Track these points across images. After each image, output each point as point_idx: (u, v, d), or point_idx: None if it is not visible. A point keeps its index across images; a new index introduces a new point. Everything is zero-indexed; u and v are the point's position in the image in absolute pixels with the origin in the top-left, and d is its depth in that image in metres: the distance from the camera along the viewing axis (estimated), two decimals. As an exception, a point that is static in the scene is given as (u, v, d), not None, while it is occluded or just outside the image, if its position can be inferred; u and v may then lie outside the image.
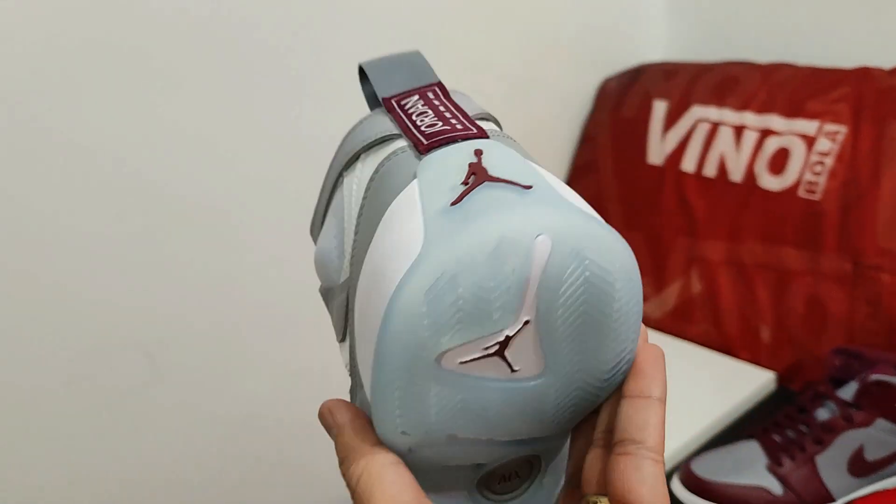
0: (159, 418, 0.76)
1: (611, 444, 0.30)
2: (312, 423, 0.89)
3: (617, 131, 1.00)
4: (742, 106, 0.89)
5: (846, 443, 0.70)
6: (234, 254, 0.77)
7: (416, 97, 0.33)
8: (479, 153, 0.28)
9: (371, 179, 0.32)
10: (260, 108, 0.75)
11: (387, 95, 0.34)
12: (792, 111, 0.85)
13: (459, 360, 0.27)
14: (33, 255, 0.66)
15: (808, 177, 0.82)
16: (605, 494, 0.31)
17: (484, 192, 0.27)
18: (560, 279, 0.27)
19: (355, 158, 0.33)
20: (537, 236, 0.26)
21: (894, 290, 0.77)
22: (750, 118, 0.88)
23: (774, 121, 0.86)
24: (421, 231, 0.27)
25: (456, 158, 0.28)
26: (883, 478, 0.71)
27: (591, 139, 1.03)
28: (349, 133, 0.34)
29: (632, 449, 0.29)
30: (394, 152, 0.31)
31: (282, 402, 0.83)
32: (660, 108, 0.96)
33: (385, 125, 0.33)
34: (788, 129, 0.85)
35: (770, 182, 0.84)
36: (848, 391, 0.71)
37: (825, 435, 0.70)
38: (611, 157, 0.99)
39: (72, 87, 0.65)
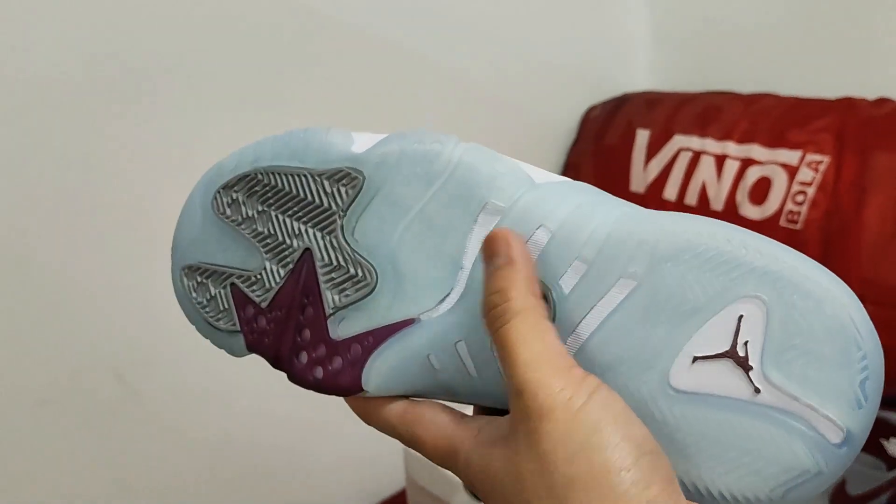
0: (135, 440, 0.75)
1: None
2: (292, 442, 0.88)
3: (600, 160, 1.00)
4: (724, 135, 0.89)
5: (828, 476, 0.68)
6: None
7: None
8: None
9: None
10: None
11: None
12: (774, 141, 0.85)
13: None
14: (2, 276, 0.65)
15: (790, 206, 0.81)
16: None
17: None
18: None
19: None
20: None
21: (879, 320, 0.76)
22: (732, 148, 0.87)
23: (756, 150, 0.86)
24: None
25: None
26: (865, 513, 0.70)
27: (575, 167, 1.02)
28: None
29: None
30: None
31: (262, 423, 0.82)
32: (642, 137, 0.96)
33: None
34: (770, 159, 0.84)
35: (751, 211, 0.84)
36: (829, 424, 0.69)
37: (806, 468, 0.69)
38: (594, 185, 0.98)
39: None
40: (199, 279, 0.38)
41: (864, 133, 0.81)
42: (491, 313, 0.30)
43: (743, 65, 1.00)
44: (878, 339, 0.30)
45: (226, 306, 0.37)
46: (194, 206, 0.37)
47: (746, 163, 0.86)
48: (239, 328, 0.37)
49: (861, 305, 0.30)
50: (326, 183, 0.34)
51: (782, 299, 0.29)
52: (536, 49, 0.99)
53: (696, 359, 0.30)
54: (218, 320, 0.37)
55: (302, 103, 0.78)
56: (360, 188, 0.34)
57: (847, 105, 0.85)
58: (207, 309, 0.37)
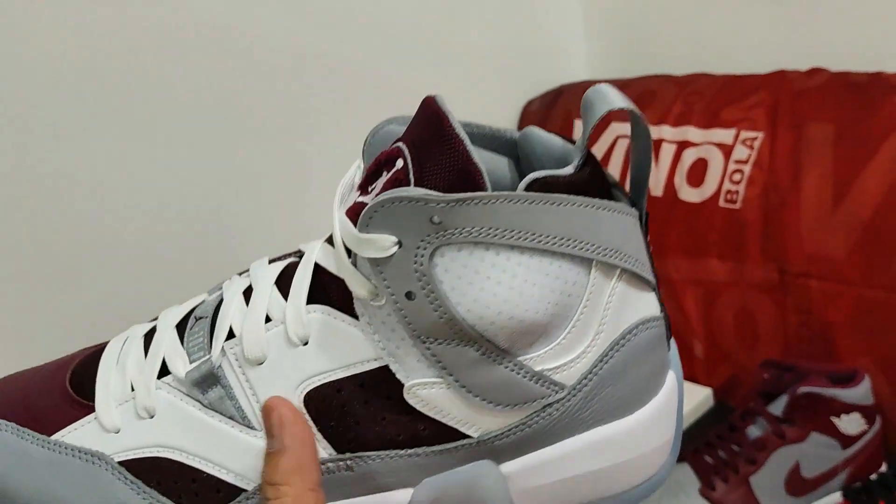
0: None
1: None
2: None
3: (540, 154, 0.98)
4: (659, 120, 0.87)
5: (781, 460, 0.67)
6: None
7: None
8: None
9: (632, 332, 0.32)
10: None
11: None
12: (707, 121, 0.83)
13: None
14: None
15: (728, 186, 0.79)
16: None
17: None
18: None
19: (616, 260, 0.31)
20: None
21: (824, 295, 0.75)
22: (667, 131, 0.86)
23: (691, 132, 0.84)
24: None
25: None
26: (823, 495, 0.68)
27: (516, 164, 1.00)
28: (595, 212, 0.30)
29: None
30: (649, 320, 0.33)
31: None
32: (580, 127, 0.94)
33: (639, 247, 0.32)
34: (705, 140, 0.82)
35: (690, 194, 0.82)
36: (778, 406, 0.68)
37: (758, 453, 0.67)
38: (535, 180, 0.97)
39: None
40: None
41: (797, 105, 0.79)
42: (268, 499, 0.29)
43: (676, 47, 0.98)
44: None
45: None
46: None
47: (682, 145, 0.84)
48: None
49: None
50: None
51: None
52: (471, 48, 0.97)
53: None
54: None
55: (254, 122, 0.76)
56: None
57: (779, 78, 0.83)
58: None
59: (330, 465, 0.30)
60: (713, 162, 0.81)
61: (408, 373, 0.30)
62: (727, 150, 0.80)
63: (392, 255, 0.28)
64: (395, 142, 0.32)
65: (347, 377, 0.30)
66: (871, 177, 0.73)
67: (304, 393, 0.30)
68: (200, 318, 0.33)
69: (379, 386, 0.30)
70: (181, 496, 0.31)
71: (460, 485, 0.31)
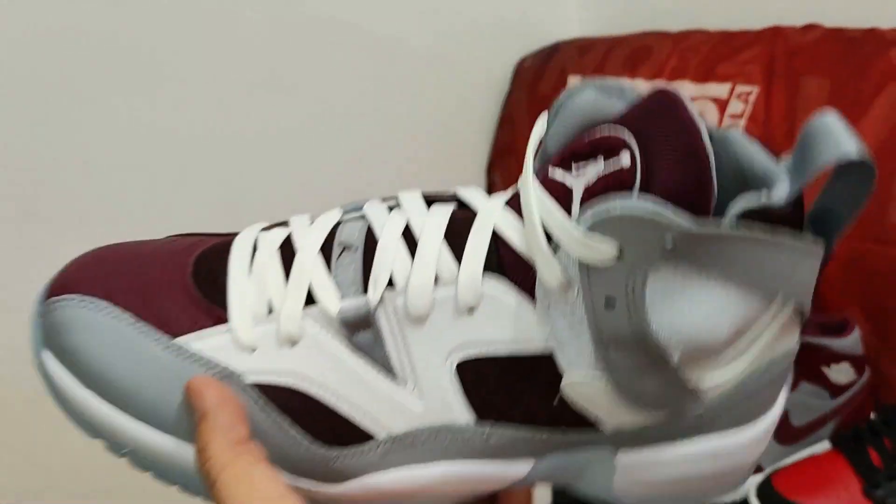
0: (59, 436, 0.72)
1: None
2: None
3: (534, 110, 0.98)
4: (654, 75, 0.87)
5: (771, 409, 0.67)
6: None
7: None
8: None
9: (776, 363, 0.32)
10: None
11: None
12: (703, 76, 0.83)
13: None
14: None
15: (722, 140, 0.80)
16: None
17: None
18: None
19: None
20: None
21: (816, 250, 0.75)
22: (662, 86, 0.85)
23: (686, 87, 0.84)
24: None
25: None
26: (811, 443, 0.69)
27: (510, 120, 1.00)
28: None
29: None
30: (791, 352, 0.32)
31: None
32: (574, 83, 0.94)
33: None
34: (700, 94, 0.82)
35: (684, 149, 0.82)
36: (769, 355, 0.68)
37: (749, 402, 0.67)
38: (529, 137, 0.97)
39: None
40: None
41: (792, 60, 0.80)
42: (200, 473, 0.29)
43: (671, 3, 0.97)
44: None
45: None
46: None
47: (677, 100, 0.84)
48: None
49: None
50: None
51: None
52: (465, 4, 0.97)
53: None
54: None
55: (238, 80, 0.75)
56: None
57: (774, 34, 0.83)
58: None
59: (468, 432, 0.30)
60: (708, 116, 0.81)
61: (571, 366, 0.29)
62: (722, 105, 0.81)
63: (608, 264, 0.27)
64: (617, 122, 0.30)
65: (508, 355, 0.30)
66: (865, 131, 0.73)
67: (459, 360, 0.30)
68: (348, 247, 0.31)
69: (537, 370, 0.30)
70: (312, 429, 0.30)
71: (577, 466, 0.32)
